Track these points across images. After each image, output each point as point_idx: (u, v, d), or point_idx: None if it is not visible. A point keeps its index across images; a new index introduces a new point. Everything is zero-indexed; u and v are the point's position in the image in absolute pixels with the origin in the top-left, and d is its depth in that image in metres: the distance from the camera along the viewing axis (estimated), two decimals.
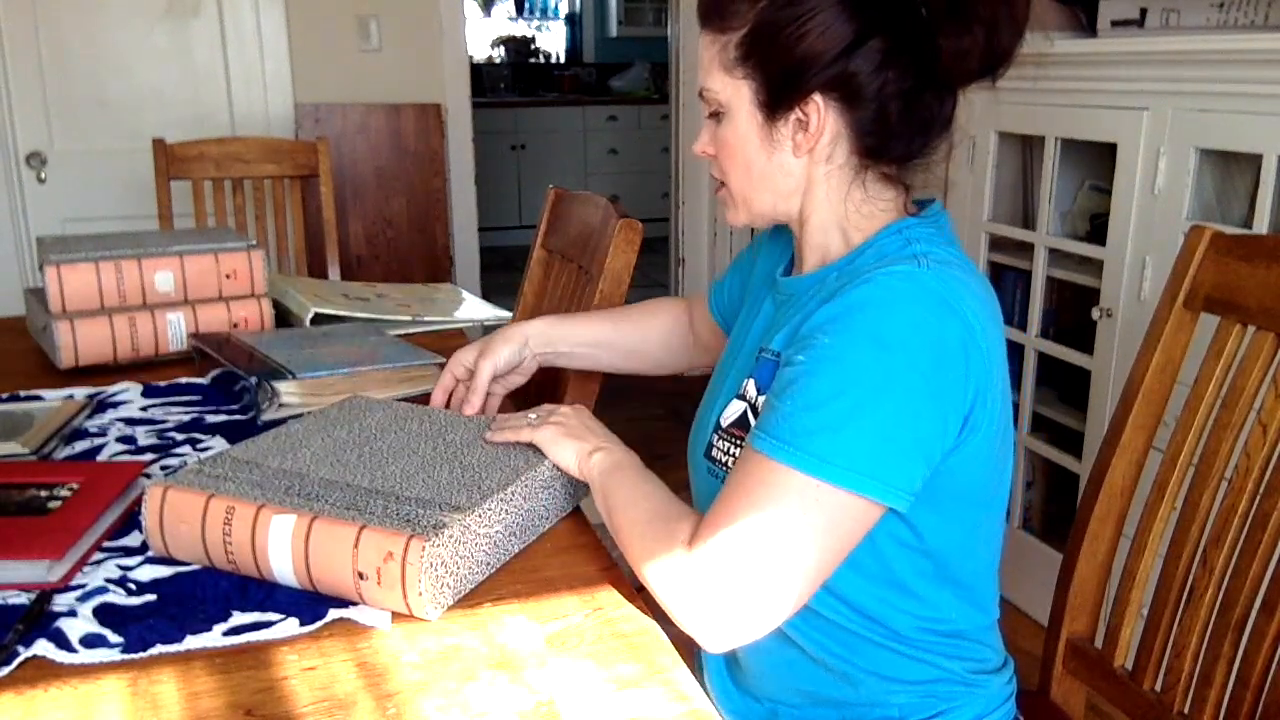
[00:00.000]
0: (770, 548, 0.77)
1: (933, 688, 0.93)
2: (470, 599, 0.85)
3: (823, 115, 0.87)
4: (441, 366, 1.37)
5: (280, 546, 0.84)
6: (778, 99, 0.88)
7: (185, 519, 0.87)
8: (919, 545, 0.87)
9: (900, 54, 0.85)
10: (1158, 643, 1.03)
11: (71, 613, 0.81)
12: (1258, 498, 0.95)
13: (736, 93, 0.90)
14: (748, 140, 0.91)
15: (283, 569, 0.85)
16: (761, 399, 0.91)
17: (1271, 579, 0.93)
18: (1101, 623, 1.13)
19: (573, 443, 0.96)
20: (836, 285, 0.87)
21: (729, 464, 0.92)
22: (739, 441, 0.92)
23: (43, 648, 0.77)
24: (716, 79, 0.91)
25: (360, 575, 0.81)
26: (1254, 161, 1.67)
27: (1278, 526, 0.93)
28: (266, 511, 0.85)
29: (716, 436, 0.95)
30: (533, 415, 1.02)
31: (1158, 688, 1.03)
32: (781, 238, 1.07)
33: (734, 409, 0.94)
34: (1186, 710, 1.00)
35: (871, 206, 0.91)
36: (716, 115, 0.93)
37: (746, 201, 0.95)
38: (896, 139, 0.89)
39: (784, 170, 0.91)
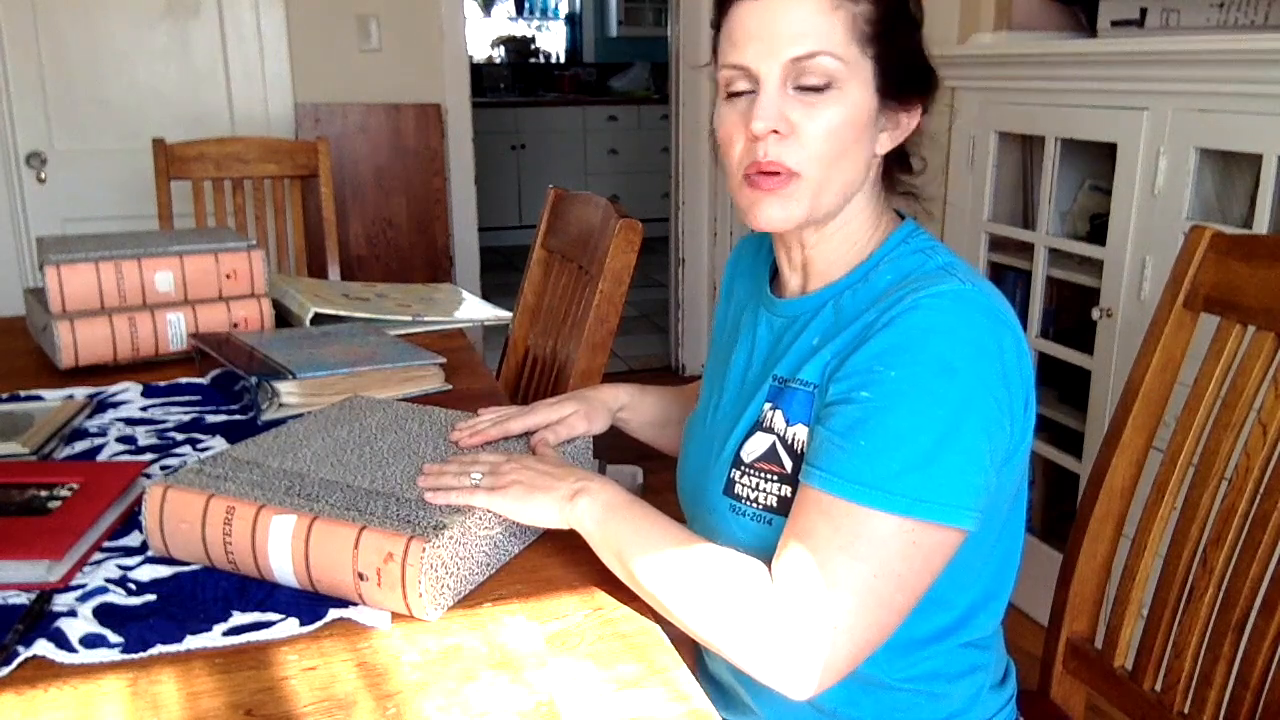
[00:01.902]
0: (872, 595, 0.75)
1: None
2: (470, 599, 0.85)
3: (913, 120, 0.87)
4: (441, 366, 1.37)
5: (280, 547, 0.84)
6: (900, 87, 0.85)
7: (185, 519, 0.87)
8: (956, 557, 0.84)
9: None
10: (1158, 643, 1.03)
11: (71, 613, 0.81)
12: (1258, 498, 0.95)
13: (860, 73, 0.83)
14: (854, 124, 0.84)
15: (283, 569, 0.85)
16: (793, 431, 0.87)
17: (1271, 579, 0.93)
18: (1101, 623, 1.13)
19: (543, 495, 0.87)
20: (859, 309, 0.85)
21: (757, 499, 0.88)
22: (768, 475, 0.88)
23: (43, 648, 0.77)
24: (843, 48, 0.82)
25: (360, 576, 0.81)
26: (1254, 161, 1.67)
27: (1278, 526, 0.93)
28: (266, 512, 0.85)
29: (738, 472, 0.90)
30: (476, 474, 0.90)
31: (1158, 688, 1.03)
32: (746, 258, 1.05)
33: (759, 442, 0.89)
34: (1186, 710, 1.00)
35: (886, 215, 0.91)
36: (821, 89, 0.83)
37: (820, 190, 0.85)
38: (912, 137, 0.90)
39: (863, 163, 0.87)
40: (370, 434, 1.04)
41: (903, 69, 0.85)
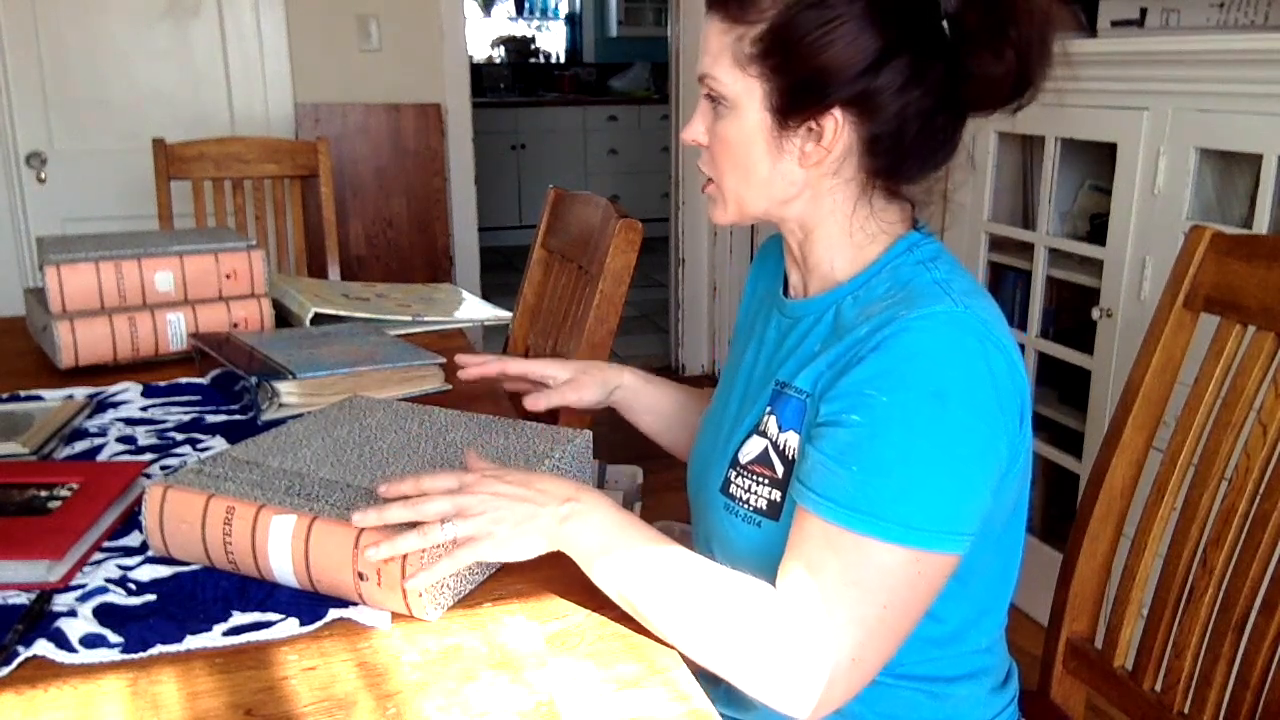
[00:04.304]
0: (881, 625, 0.75)
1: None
2: (470, 599, 0.85)
3: (839, 129, 0.83)
4: (441, 366, 1.37)
5: (280, 547, 0.84)
6: (793, 107, 0.83)
7: (185, 519, 0.87)
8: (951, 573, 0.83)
9: (927, 73, 0.82)
10: (1158, 643, 1.03)
11: (71, 613, 0.81)
12: (1258, 498, 0.95)
13: (747, 91, 0.85)
14: (752, 143, 0.86)
15: (283, 569, 0.85)
16: (784, 437, 0.87)
17: (1271, 579, 0.93)
18: (1101, 623, 1.13)
19: (530, 526, 0.82)
20: (855, 319, 0.85)
21: (749, 501, 0.89)
22: (760, 479, 0.88)
23: (43, 648, 0.77)
24: (726, 70, 0.85)
25: (360, 576, 0.81)
26: (1254, 161, 1.67)
27: (1278, 526, 0.93)
28: (266, 512, 0.85)
29: (734, 472, 0.91)
30: (441, 519, 0.80)
31: (1158, 688, 1.03)
32: (772, 255, 1.04)
33: (754, 445, 0.90)
34: (1186, 710, 1.00)
35: (877, 224, 0.89)
36: (717, 105, 0.87)
37: (739, 202, 0.90)
38: (910, 159, 0.86)
39: (787, 178, 0.87)
40: (370, 434, 1.04)
41: (796, 88, 0.83)
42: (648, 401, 1.17)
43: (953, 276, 0.85)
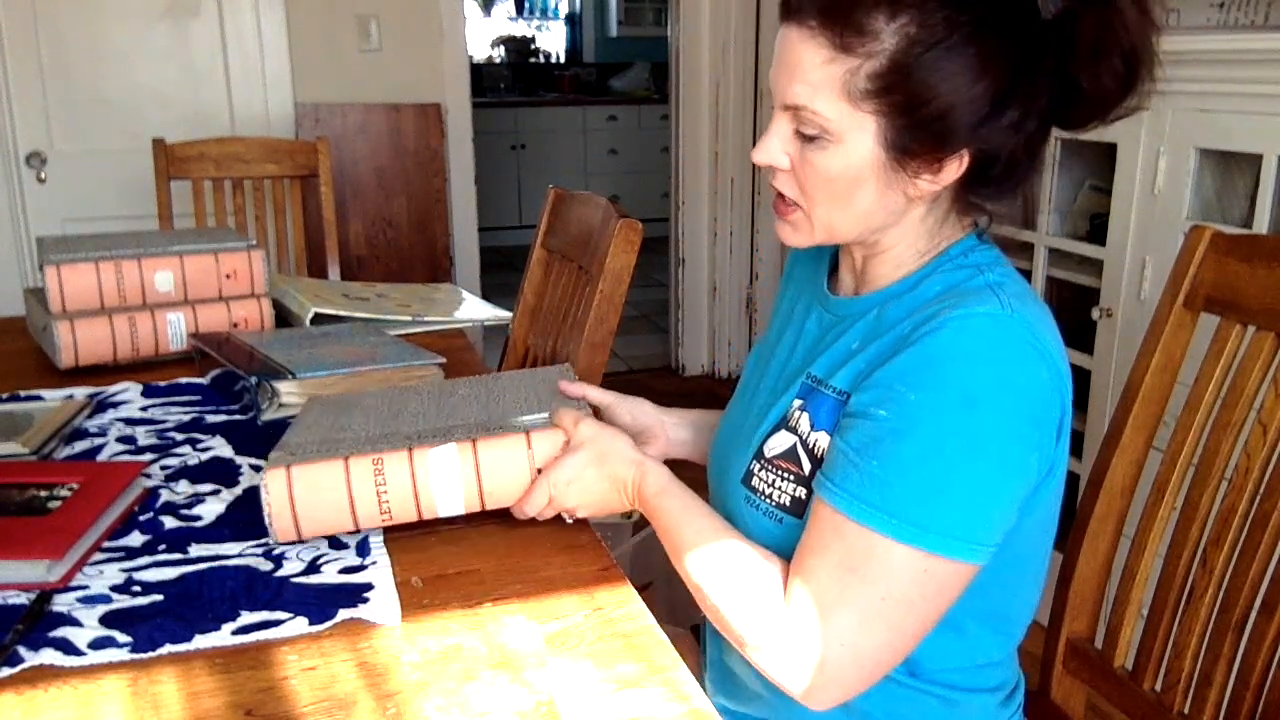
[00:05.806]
0: (879, 616, 0.75)
1: None
2: (470, 599, 0.85)
3: (963, 165, 0.81)
4: (441, 366, 1.37)
5: (448, 477, 0.89)
6: (917, 146, 0.79)
7: (326, 486, 0.89)
8: (974, 585, 0.81)
9: (1040, 101, 0.80)
10: (1158, 643, 1.03)
11: (78, 622, 0.81)
12: (1258, 498, 0.96)
13: (857, 125, 0.79)
14: (861, 177, 0.81)
15: (449, 499, 0.90)
16: (815, 436, 0.86)
17: (1271, 579, 0.93)
18: (1101, 623, 1.13)
19: (603, 500, 0.93)
20: (899, 317, 0.84)
21: (772, 495, 0.88)
22: (785, 474, 0.88)
23: (50, 656, 0.76)
24: (830, 104, 0.79)
25: (540, 471, 0.91)
26: (1254, 161, 1.67)
27: (1278, 526, 0.93)
28: (421, 450, 0.89)
29: (757, 465, 0.90)
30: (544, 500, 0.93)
31: (1158, 688, 1.03)
32: (814, 249, 1.02)
33: (781, 440, 0.89)
34: (1186, 710, 1.00)
35: (953, 236, 0.88)
36: (810, 137, 0.82)
37: (830, 229, 0.86)
38: (1011, 184, 0.85)
39: (888, 208, 0.84)
40: (384, 415, 1.04)
41: (916, 129, 0.79)
42: (679, 436, 1.15)
43: (1006, 280, 0.83)
